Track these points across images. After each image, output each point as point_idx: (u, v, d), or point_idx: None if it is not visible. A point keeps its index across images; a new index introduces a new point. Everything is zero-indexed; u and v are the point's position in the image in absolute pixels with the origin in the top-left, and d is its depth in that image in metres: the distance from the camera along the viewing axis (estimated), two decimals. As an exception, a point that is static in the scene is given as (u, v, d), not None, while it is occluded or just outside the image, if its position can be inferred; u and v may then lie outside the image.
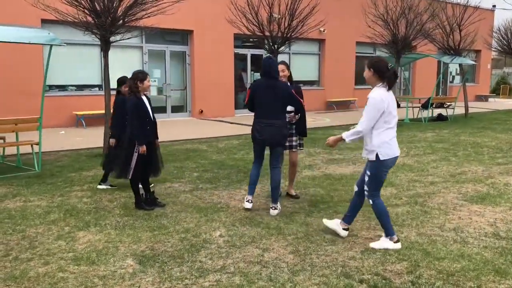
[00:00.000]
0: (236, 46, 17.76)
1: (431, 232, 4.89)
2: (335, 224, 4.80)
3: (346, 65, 21.42)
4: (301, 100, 5.86)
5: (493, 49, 21.46)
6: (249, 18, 11.97)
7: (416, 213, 5.55)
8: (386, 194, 6.49)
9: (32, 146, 8.03)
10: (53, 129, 13.54)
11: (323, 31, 20.15)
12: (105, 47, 9.19)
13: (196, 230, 4.93)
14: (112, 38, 9.28)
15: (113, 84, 15.12)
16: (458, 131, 13.60)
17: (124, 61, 15.60)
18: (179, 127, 14.39)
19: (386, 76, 4.28)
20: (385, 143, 4.32)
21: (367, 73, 4.38)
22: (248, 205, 5.65)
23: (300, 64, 20.37)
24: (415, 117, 17.00)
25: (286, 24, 11.89)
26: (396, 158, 4.50)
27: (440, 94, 26.07)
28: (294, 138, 6.14)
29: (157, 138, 6.07)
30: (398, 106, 16.34)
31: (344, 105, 21.33)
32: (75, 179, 7.37)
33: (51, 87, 14.25)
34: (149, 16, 9.35)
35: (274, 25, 11.89)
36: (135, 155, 5.61)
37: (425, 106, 16.22)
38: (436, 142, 11.34)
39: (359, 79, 22.58)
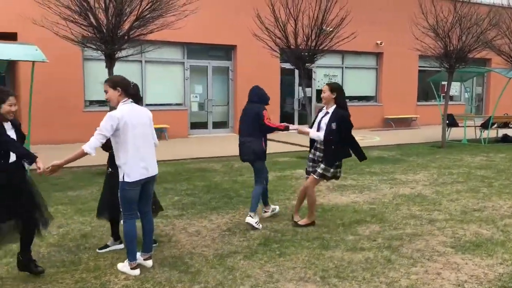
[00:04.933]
0: (284, 61, 17.14)
1: (374, 290, 3.96)
2: None
3: (407, 80, 19.92)
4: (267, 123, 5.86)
5: None
6: (275, 32, 11.37)
7: (377, 262, 4.59)
8: (365, 233, 5.54)
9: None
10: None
11: (380, 44, 18.96)
12: (109, 63, 9.04)
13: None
14: (117, 54, 9.14)
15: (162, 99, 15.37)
16: (518, 155, 11.87)
17: (166, 77, 15.65)
18: (212, 143, 14.05)
19: (130, 92, 4.32)
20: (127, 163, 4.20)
21: (112, 94, 4.30)
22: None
23: (354, 79, 19.27)
24: (477, 137, 15.23)
25: (313, 37, 11.12)
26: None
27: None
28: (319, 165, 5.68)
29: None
30: (456, 125, 14.67)
31: (404, 123, 19.78)
32: (51, 200, 7.18)
33: (91, 102, 14.58)
34: (152, 32, 9.09)
35: (301, 39, 11.18)
36: None
37: (485, 126, 14.44)
38: (478, 169, 9.88)
39: (423, 95, 20.94)
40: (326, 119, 5.58)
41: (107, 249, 4.94)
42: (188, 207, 6.74)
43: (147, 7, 8.88)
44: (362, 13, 17.15)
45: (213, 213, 6.44)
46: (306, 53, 11.18)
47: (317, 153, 5.69)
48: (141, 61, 14.92)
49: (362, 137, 15.84)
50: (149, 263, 4.50)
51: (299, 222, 5.83)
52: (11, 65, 13.32)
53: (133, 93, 4.37)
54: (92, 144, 4.12)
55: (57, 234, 5.50)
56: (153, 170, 4.41)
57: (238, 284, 4.10)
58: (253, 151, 5.87)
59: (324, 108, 5.76)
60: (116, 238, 5.01)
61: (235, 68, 16.49)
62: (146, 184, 4.36)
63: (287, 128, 5.98)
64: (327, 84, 5.78)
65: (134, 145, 4.21)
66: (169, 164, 10.46)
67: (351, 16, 11.69)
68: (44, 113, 12.82)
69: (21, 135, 4.25)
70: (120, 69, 13.86)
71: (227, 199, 7.21)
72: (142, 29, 9.07)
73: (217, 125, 16.68)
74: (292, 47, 11.25)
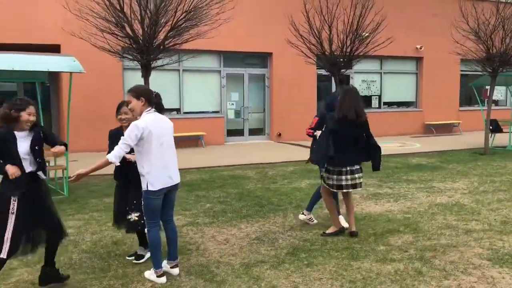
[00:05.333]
0: (321, 67, 17.00)
1: (402, 303, 3.83)
2: None
3: (449, 85, 19.35)
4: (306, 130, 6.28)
5: None
6: (310, 39, 11.31)
7: (407, 274, 4.44)
8: (397, 243, 5.39)
9: (62, 171, 8.29)
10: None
11: (420, 48, 18.53)
12: (145, 73, 9.21)
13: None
14: (153, 64, 9.30)
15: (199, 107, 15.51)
16: None
17: (203, 85, 15.82)
18: (248, 150, 14.08)
19: (153, 101, 4.37)
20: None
21: (136, 104, 4.31)
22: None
23: (394, 84, 18.90)
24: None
25: (348, 43, 10.98)
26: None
27: None
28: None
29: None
30: (501, 130, 14.10)
31: (445, 129, 19.22)
32: (87, 207, 7.39)
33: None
34: (186, 41, 9.22)
35: (336, 45, 11.07)
36: (11, 216, 3.93)
37: (531, 131, 13.83)
38: (523, 176, 9.46)
39: (465, 100, 20.30)
40: None
41: (136, 258, 5.01)
42: (218, 215, 6.76)
43: (181, 17, 9.01)
44: (400, 18, 16.86)
45: (243, 221, 6.44)
46: (341, 59, 11.04)
47: None
48: (178, 70, 15.17)
49: (402, 144, 15.52)
50: (176, 271, 4.53)
51: (326, 231, 5.74)
52: (55, 76, 13.85)
53: (156, 102, 4.40)
54: (117, 153, 4.19)
55: (90, 241, 5.63)
56: (176, 179, 4.45)
57: (262, 294, 4.07)
58: (312, 155, 6.19)
59: None
60: (146, 245, 5.06)
61: (271, 75, 16.50)
62: (168, 192, 4.39)
63: (312, 134, 6.15)
64: None
65: (158, 154, 4.25)
66: (204, 171, 10.56)
67: (387, 21, 11.49)
68: (84, 122, 13.23)
69: (50, 140, 4.24)
70: (158, 78, 14.22)
71: (259, 207, 7.19)
72: (176, 39, 9.21)
73: (254, 132, 16.72)
74: (326, 53, 11.15)
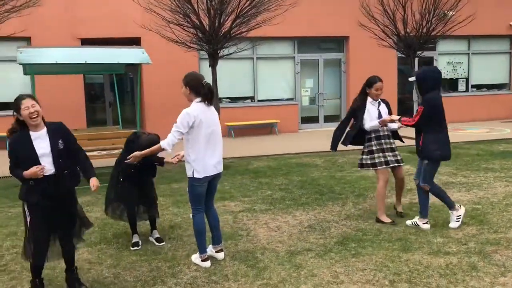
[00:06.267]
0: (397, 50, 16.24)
1: (447, 300, 3.60)
2: None
3: (547, 64, 17.63)
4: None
5: None
6: (382, 20, 10.86)
7: (459, 268, 4.15)
8: (458, 235, 5.06)
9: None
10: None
11: (515, 25, 17.03)
12: (212, 61, 9.41)
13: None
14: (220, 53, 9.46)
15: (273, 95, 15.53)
16: None
17: (277, 72, 15.80)
18: (321, 137, 13.86)
19: (200, 92, 4.35)
20: None
21: (184, 91, 4.44)
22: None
23: (483, 66, 17.56)
24: None
25: (424, 24, 10.38)
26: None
27: None
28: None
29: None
30: None
31: (543, 112, 17.56)
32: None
33: (206, 99, 15.29)
34: (253, 29, 9.25)
35: (411, 26, 10.52)
36: (28, 220, 3.81)
37: None
38: None
39: None
40: (385, 109, 5.81)
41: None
42: (276, 202, 6.77)
43: (246, 5, 9.06)
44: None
45: (299, 209, 6.39)
46: (419, 41, 10.47)
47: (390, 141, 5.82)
48: (252, 58, 15.27)
49: (490, 129, 14.45)
50: (221, 255, 4.62)
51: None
52: (138, 67, 14.59)
53: (204, 92, 4.39)
54: (170, 141, 4.34)
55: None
56: (220, 167, 4.52)
57: (300, 282, 4.02)
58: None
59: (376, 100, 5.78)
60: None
61: (348, 59, 16.07)
62: (212, 180, 4.47)
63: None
64: None
65: (205, 143, 4.33)
66: (272, 158, 10.60)
67: (467, -2, 10.69)
68: (161, 112, 13.80)
69: (68, 140, 3.90)
70: (232, 66, 14.46)
71: (318, 195, 7.09)
72: (243, 27, 9.28)
73: (329, 119, 16.38)
74: (401, 35, 10.65)
